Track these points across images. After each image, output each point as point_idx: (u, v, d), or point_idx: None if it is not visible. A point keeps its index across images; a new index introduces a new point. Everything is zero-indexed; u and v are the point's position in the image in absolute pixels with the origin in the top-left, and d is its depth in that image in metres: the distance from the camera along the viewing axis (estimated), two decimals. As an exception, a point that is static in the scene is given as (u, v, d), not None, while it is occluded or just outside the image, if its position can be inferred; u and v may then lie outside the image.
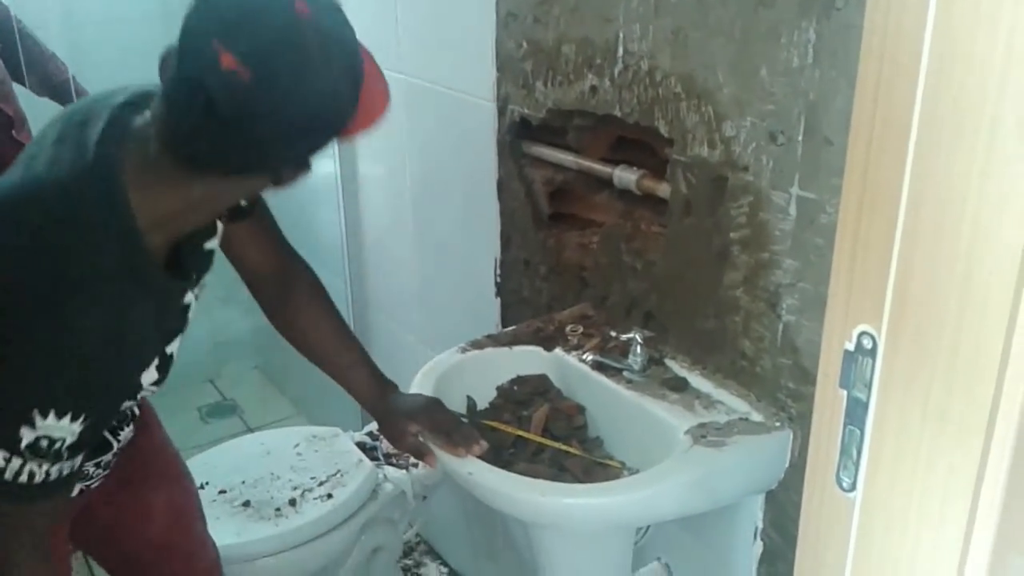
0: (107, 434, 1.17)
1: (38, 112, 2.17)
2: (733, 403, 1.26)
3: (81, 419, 0.95)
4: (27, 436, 0.92)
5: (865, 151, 0.64)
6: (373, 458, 1.87)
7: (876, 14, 0.63)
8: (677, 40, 1.23)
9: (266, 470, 1.79)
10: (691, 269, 1.31)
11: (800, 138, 1.08)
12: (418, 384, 1.36)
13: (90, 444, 1.01)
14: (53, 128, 1.00)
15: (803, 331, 1.16)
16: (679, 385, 1.30)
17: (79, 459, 1.00)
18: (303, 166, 1.01)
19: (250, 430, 2.98)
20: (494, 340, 1.48)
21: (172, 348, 1.09)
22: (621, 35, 1.32)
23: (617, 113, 1.36)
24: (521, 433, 1.32)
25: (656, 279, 1.39)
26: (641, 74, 1.30)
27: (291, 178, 1.01)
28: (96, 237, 0.93)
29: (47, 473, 0.96)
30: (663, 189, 1.34)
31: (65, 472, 0.98)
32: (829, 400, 0.68)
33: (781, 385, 1.21)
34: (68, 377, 0.94)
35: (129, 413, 1.23)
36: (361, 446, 1.90)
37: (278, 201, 2.32)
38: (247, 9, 0.86)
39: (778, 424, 1.21)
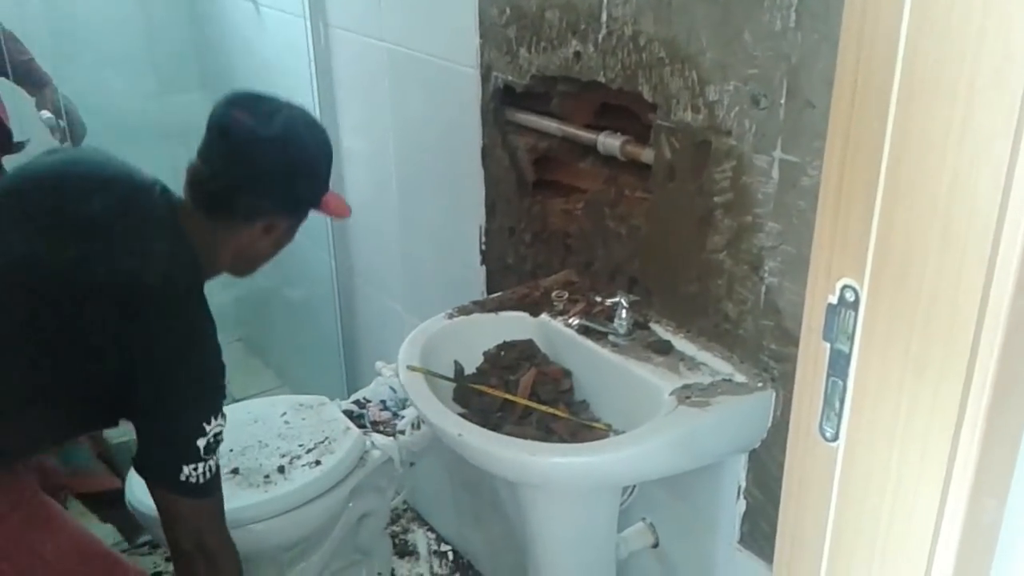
0: None
1: None
2: (717, 365, 1.28)
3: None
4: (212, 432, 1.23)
5: (848, 109, 0.65)
6: (360, 426, 1.88)
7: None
8: (660, 4, 1.23)
9: (254, 438, 1.80)
10: (674, 234, 1.33)
11: (783, 101, 1.09)
12: (406, 350, 1.37)
13: None
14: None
15: (785, 293, 1.18)
16: (664, 348, 1.32)
17: None
18: (296, 213, 1.36)
19: (235, 400, 2.98)
20: (480, 306, 1.49)
21: None
22: (604, 0, 1.32)
23: (601, 79, 1.37)
24: (508, 397, 1.34)
25: (640, 244, 1.40)
26: (625, 39, 1.31)
27: (288, 225, 1.37)
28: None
29: (218, 465, 1.27)
30: (647, 155, 1.35)
31: None
32: (812, 353, 0.70)
33: (764, 346, 1.23)
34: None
35: None
36: (348, 414, 1.92)
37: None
38: (257, 95, 1.30)
39: (760, 384, 1.23)
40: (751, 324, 1.24)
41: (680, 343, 1.33)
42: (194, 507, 1.26)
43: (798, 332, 0.72)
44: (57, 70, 2.23)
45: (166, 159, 3.06)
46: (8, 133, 2.06)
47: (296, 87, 2.28)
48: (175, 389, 1.23)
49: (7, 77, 2.11)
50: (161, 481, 1.24)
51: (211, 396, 1.25)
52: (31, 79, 2.15)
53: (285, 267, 2.83)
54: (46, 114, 2.13)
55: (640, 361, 1.30)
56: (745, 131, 1.16)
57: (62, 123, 2.15)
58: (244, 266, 1.39)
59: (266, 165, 1.27)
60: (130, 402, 1.23)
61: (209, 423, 1.22)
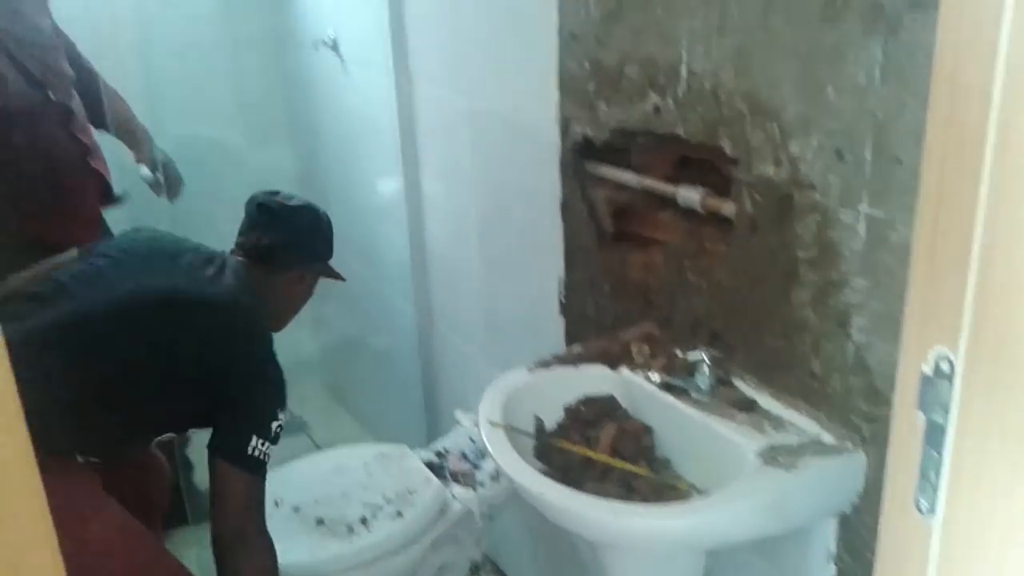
0: None
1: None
2: (803, 424, 1.24)
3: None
4: (281, 420, 1.56)
5: (939, 171, 0.64)
6: (440, 476, 1.89)
7: (947, 34, 0.63)
8: (741, 59, 1.23)
9: (337, 488, 1.82)
10: (757, 288, 1.30)
11: (868, 156, 1.07)
12: (487, 404, 1.38)
13: None
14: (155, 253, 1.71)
15: (875, 351, 1.14)
16: (747, 405, 1.29)
17: None
18: (315, 266, 1.85)
19: (317, 447, 3.03)
20: (560, 359, 1.49)
21: None
22: (684, 55, 1.33)
23: (680, 133, 1.37)
24: (589, 453, 1.33)
25: (722, 298, 1.38)
26: (705, 93, 1.31)
27: (311, 277, 1.85)
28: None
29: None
30: (728, 208, 1.34)
31: None
32: (906, 423, 0.67)
33: (853, 406, 1.19)
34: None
35: None
36: (429, 464, 1.93)
37: (347, 219, 2.42)
38: (276, 191, 1.83)
39: (851, 446, 1.19)
40: (839, 382, 1.21)
41: (765, 400, 1.30)
42: (248, 483, 1.52)
43: (889, 392, 0.70)
44: (153, 124, 2.35)
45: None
46: (108, 187, 2.18)
47: (379, 138, 2.35)
48: (264, 383, 1.59)
49: (108, 131, 2.23)
50: (230, 453, 1.52)
51: (283, 392, 1.60)
52: (131, 134, 2.27)
53: (368, 316, 2.89)
54: (144, 170, 2.24)
55: (723, 419, 1.27)
56: (830, 186, 1.14)
57: (160, 176, 2.25)
58: (283, 312, 1.82)
59: (296, 225, 1.80)
60: (220, 401, 1.55)
61: (282, 410, 1.57)
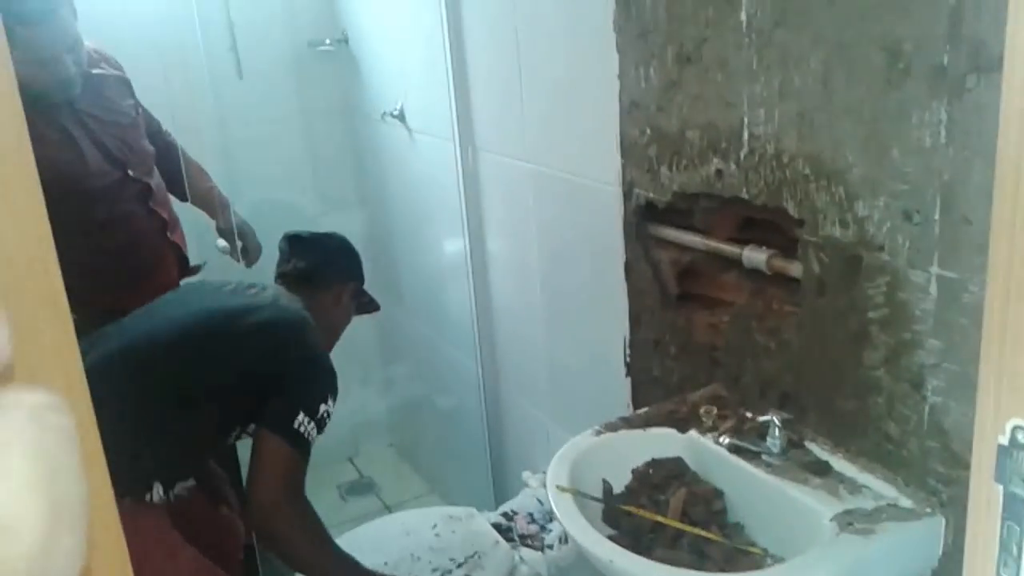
0: None
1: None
2: (879, 488, 1.22)
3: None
4: (328, 407, 1.67)
5: (1008, 236, 0.63)
6: (508, 539, 1.89)
7: (1011, 96, 0.63)
8: (803, 122, 1.24)
9: (406, 551, 1.83)
10: (828, 349, 1.29)
11: (937, 217, 1.07)
12: (554, 468, 1.38)
13: None
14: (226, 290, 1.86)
15: (951, 413, 1.12)
16: (821, 469, 1.27)
17: None
18: (350, 286, 2.01)
19: (387, 507, 3.05)
20: (627, 422, 1.49)
21: None
22: (746, 119, 1.34)
23: (744, 195, 1.38)
24: (659, 518, 1.32)
25: (791, 359, 1.37)
26: (767, 156, 1.32)
27: (348, 298, 2.00)
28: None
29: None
30: (794, 268, 1.34)
31: None
32: (984, 495, 0.66)
33: (930, 469, 1.17)
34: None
35: None
36: (496, 526, 1.93)
37: (414, 280, 2.49)
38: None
39: (929, 510, 1.16)
40: (915, 445, 1.18)
41: (839, 463, 1.28)
42: (288, 456, 1.60)
43: (967, 455, 0.69)
44: (232, 192, 2.45)
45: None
46: (185, 259, 2.27)
47: (444, 202, 2.40)
48: (315, 367, 1.71)
49: (188, 201, 2.34)
50: (275, 423, 1.61)
51: (332, 381, 1.71)
52: (211, 204, 2.37)
53: (435, 376, 2.93)
54: (222, 243, 2.33)
55: (796, 483, 1.25)
56: (898, 246, 1.13)
57: (237, 243, 2.34)
58: (326, 333, 1.89)
59: (325, 247, 1.99)
60: (272, 388, 1.65)
61: (332, 397, 1.67)
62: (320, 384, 1.68)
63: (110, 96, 2.10)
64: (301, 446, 1.61)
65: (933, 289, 1.10)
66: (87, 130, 2.02)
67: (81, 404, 0.46)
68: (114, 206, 2.07)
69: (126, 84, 2.16)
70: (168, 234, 2.18)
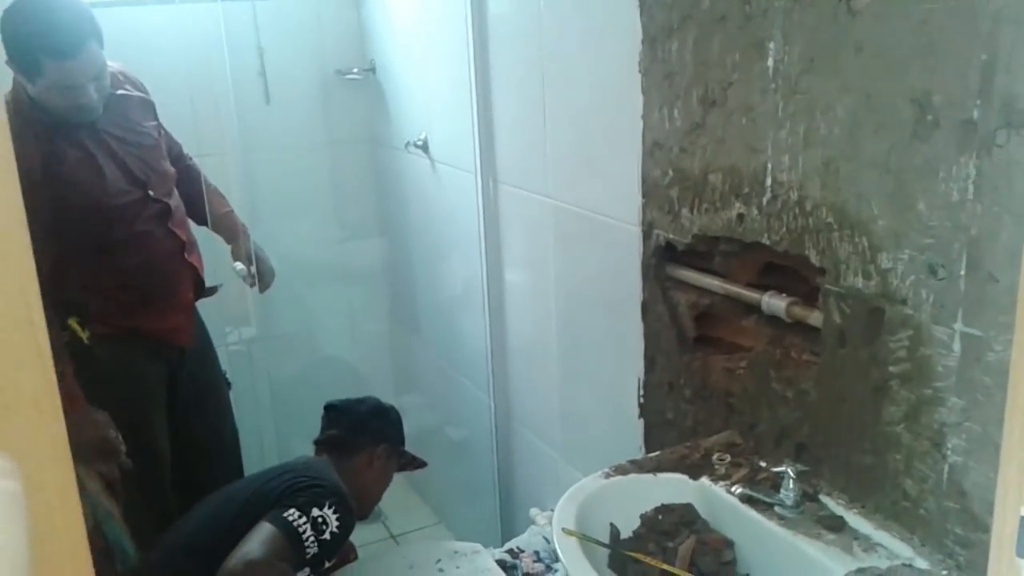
0: None
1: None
2: (895, 547, 1.18)
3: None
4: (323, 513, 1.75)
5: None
6: (513, 578, 1.86)
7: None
8: (828, 171, 1.23)
9: (409, 585, 1.81)
10: (847, 401, 1.27)
11: (962, 273, 1.04)
12: (561, 508, 1.36)
13: None
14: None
15: (971, 474, 1.09)
16: (836, 524, 1.24)
17: None
18: (385, 447, 2.11)
19: (392, 536, 3.02)
20: (638, 466, 1.47)
21: None
22: (769, 165, 1.33)
23: (765, 241, 1.36)
24: (666, 567, 1.29)
25: (809, 409, 1.35)
26: (790, 203, 1.30)
27: (384, 460, 2.10)
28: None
29: (310, 546, 1.72)
30: (815, 317, 1.32)
31: None
32: (1005, 569, 0.63)
33: (948, 530, 1.13)
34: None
35: None
36: (501, 564, 1.90)
37: (431, 309, 2.48)
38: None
39: (945, 572, 1.12)
40: (933, 504, 1.15)
41: (854, 519, 1.25)
42: (274, 535, 1.66)
43: (987, 518, 0.67)
44: (252, 218, 2.46)
45: (343, 300, 3.28)
46: (201, 280, 2.27)
47: (465, 234, 2.40)
48: (319, 488, 1.80)
49: (207, 225, 2.35)
50: (270, 514, 1.70)
51: (336, 501, 1.78)
52: (229, 230, 2.37)
53: (447, 406, 2.91)
54: (239, 266, 2.33)
55: (810, 538, 1.22)
56: (922, 301, 1.11)
57: (253, 269, 2.34)
58: (363, 497, 2.01)
59: (357, 412, 2.12)
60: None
61: (333, 509, 1.75)
62: (317, 494, 1.75)
63: (133, 117, 2.12)
64: (290, 534, 1.67)
65: (956, 346, 1.07)
66: (108, 150, 2.04)
67: (60, 468, 0.45)
68: (134, 225, 2.08)
69: (149, 106, 2.18)
70: (185, 255, 2.19)
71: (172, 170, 2.20)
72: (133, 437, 2.03)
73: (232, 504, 1.83)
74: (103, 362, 2.04)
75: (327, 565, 1.77)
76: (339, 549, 1.78)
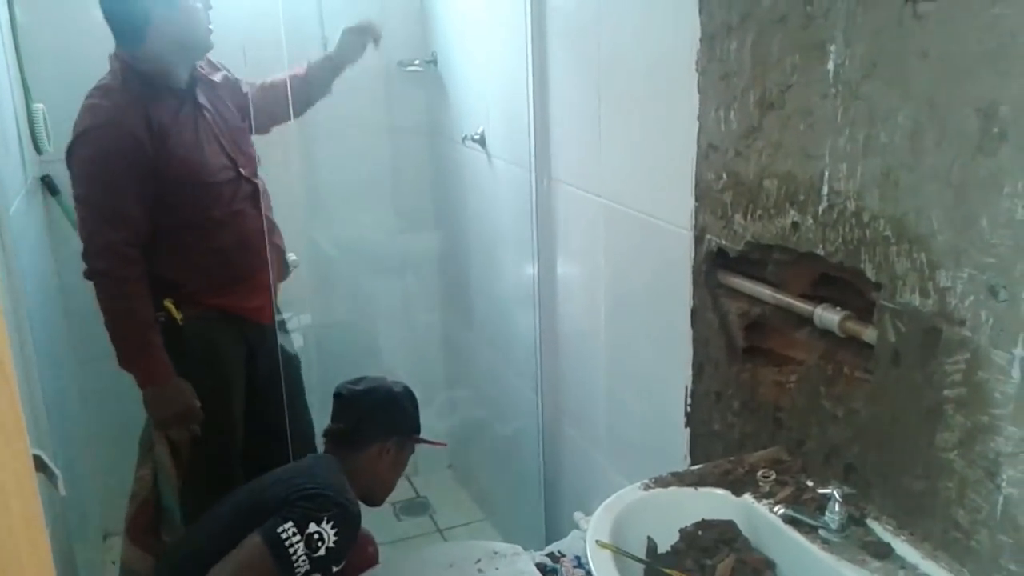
0: None
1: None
2: (944, 579, 1.13)
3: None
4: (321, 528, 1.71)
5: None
6: (552, 582, 1.84)
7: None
8: (887, 181, 1.17)
9: (447, 584, 1.80)
10: (899, 423, 1.21)
11: (1025, 296, 0.98)
12: (597, 520, 1.33)
13: None
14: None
15: (1029, 508, 1.03)
16: (882, 551, 1.18)
17: None
18: (396, 438, 2.03)
19: (439, 530, 3.03)
20: (679, 479, 1.43)
21: None
22: (827, 173, 1.28)
23: (820, 252, 1.31)
24: (702, 585, 1.25)
25: (859, 429, 1.29)
26: (847, 214, 1.25)
27: (396, 450, 2.03)
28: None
29: (302, 562, 1.70)
30: (869, 334, 1.26)
31: None
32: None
33: (1000, 565, 1.07)
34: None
35: None
36: (541, 567, 1.88)
37: (483, 303, 2.46)
38: (360, 378, 2.11)
39: (998, 610, 1.07)
40: (986, 537, 1.09)
41: (901, 547, 1.19)
42: (261, 553, 1.65)
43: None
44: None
45: (398, 291, 3.30)
46: (286, 263, 2.31)
47: (518, 230, 2.38)
48: (320, 499, 1.74)
49: (320, 97, 2.42)
50: (262, 527, 1.68)
51: (335, 512, 1.73)
52: (324, 64, 2.42)
53: (495, 402, 2.90)
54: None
55: (854, 564, 1.17)
56: (981, 323, 1.05)
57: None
58: (375, 487, 2.00)
59: (363, 405, 2.02)
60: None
61: (331, 524, 1.70)
62: (319, 505, 1.70)
63: (223, 96, 2.16)
64: (278, 552, 1.65)
65: (1016, 372, 1.01)
66: (207, 128, 2.09)
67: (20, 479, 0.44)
68: (231, 204, 2.12)
69: (238, 87, 2.23)
70: (273, 236, 2.22)
71: (257, 153, 2.23)
72: (211, 411, 2.11)
73: (240, 508, 1.82)
74: (190, 341, 2.10)
75: (335, 570, 1.74)
76: (340, 559, 1.74)
